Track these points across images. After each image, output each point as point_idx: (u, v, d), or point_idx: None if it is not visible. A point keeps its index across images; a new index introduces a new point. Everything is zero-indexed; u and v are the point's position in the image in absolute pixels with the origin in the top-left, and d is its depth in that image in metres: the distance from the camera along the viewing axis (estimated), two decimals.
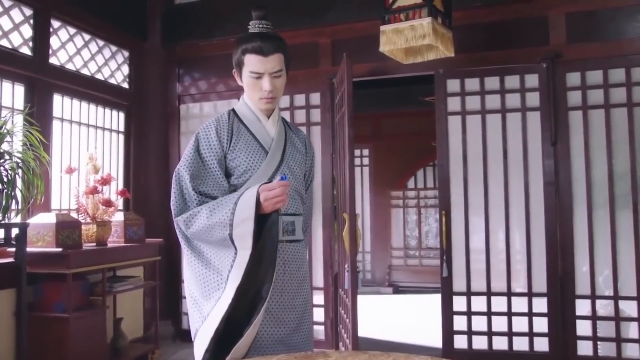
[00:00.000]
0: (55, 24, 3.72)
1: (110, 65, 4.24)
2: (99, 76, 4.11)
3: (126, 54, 4.42)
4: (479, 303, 3.71)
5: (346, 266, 3.43)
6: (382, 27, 3.07)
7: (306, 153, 1.82)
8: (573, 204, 3.57)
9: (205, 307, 1.49)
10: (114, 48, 4.28)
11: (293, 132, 1.81)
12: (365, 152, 7.82)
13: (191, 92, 4.56)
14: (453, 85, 3.86)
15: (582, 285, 3.52)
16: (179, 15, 4.54)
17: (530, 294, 3.62)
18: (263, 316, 1.48)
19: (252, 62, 1.62)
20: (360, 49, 3.92)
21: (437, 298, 4.05)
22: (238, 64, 1.67)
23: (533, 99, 3.68)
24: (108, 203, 3.41)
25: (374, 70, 4.08)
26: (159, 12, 4.53)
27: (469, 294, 3.74)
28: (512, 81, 3.74)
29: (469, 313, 3.72)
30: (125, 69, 4.42)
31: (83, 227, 3.29)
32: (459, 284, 3.76)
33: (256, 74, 1.63)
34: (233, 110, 1.74)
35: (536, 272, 3.61)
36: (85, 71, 3.97)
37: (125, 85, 4.41)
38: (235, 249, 1.48)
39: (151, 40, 4.51)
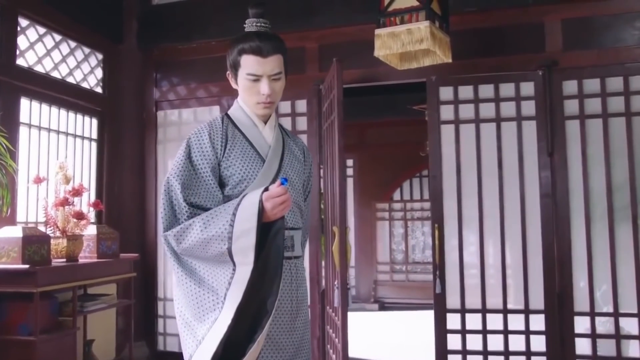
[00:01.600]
0: (23, 22, 3.60)
1: (82, 68, 4.14)
2: (70, 80, 4.01)
3: (100, 56, 4.33)
4: (473, 321, 3.68)
5: (336, 283, 3.36)
6: (377, 31, 3.05)
7: (305, 161, 1.76)
8: (570, 217, 3.57)
9: (199, 330, 1.42)
10: (87, 50, 4.19)
11: (291, 139, 1.76)
12: (350, 162, 7.80)
13: (169, 97, 4.48)
14: (446, 93, 3.85)
15: (580, 301, 3.51)
16: (157, 17, 4.46)
17: (527, 311, 3.60)
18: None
19: (249, 64, 1.57)
20: (349, 55, 3.89)
21: (425, 315, 4.01)
22: (233, 65, 1.61)
23: (529, 107, 3.69)
24: (80, 215, 3.32)
25: (364, 77, 4.06)
26: (136, 13, 4.45)
27: (463, 311, 3.71)
28: (507, 89, 3.75)
29: (463, 331, 3.69)
30: (99, 73, 4.33)
31: (52, 241, 3.18)
32: (452, 300, 3.73)
33: (254, 77, 1.58)
34: (227, 114, 1.67)
35: (533, 287, 3.60)
36: (55, 74, 3.87)
37: (99, 89, 4.32)
38: (234, 264, 1.41)
39: (127, 43, 4.43)
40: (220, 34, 4.20)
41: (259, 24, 1.63)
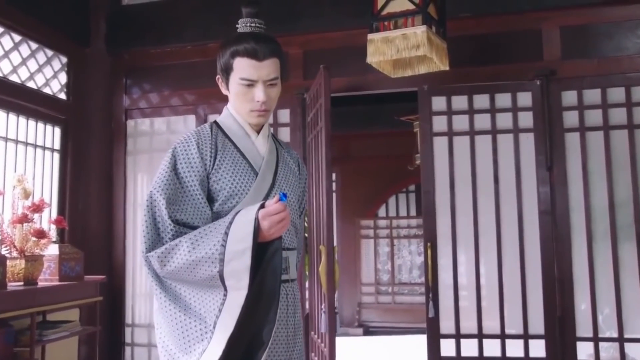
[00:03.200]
0: None
1: (45, 72, 4.04)
2: (30, 84, 3.90)
3: (64, 59, 4.23)
4: (469, 347, 3.65)
5: (323, 307, 3.32)
6: (370, 36, 3.03)
7: (299, 174, 1.72)
8: (571, 235, 3.58)
9: None
10: (49, 52, 4.09)
11: (285, 150, 1.71)
12: (332, 176, 7.78)
13: (140, 105, 4.41)
14: (438, 103, 3.86)
15: (583, 325, 3.51)
16: (127, 18, 4.40)
17: (526, 336, 3.59)
18: None
19: (243, 67, 1.53)
20: (335, 62, 3.87)
21: (413, 340, 3.98)
22: (225, 69, 1.56)
23: (526, 119, 3.71)
24: (40, 234, 3.22)
25: (351, 86, 4.04)
26: (104, 14, 4.37)
27: (458, 336, 3.68)
28: (503, 99, 3.76)
29: (458, 358, 3.66)
30: (63, 77, 4.23)
31: (8, 262, 3.07)
32: (446, 325, 3.69)
33: (248, 82, 1.53)
34: (216, 122, 1.62)
35: (532, 310, 3.59)
36: (14, 78, 3.76)
37: (63, 95, 4.22)
38: (225, 289, 1.36)
39: (94, 45, 4.34)
40: (197, 37, 4.17)
41: (253, 25, 1.59)
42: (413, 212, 7.81)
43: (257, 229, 1.35)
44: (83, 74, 4.31)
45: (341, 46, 3.97)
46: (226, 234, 1.36)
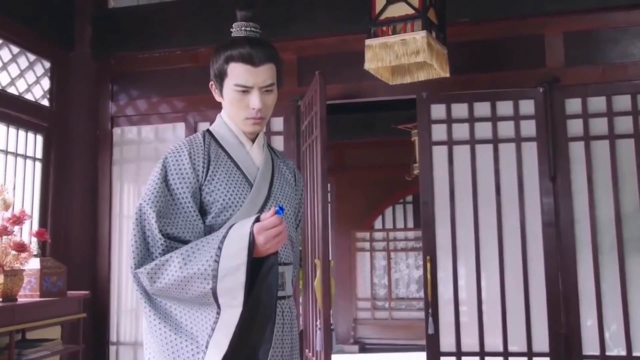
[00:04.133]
0: None
1: (27, 77, 4.02)
2: (11, 90, 3.88)
3: (47, 64, 4.21)
4: None
5: (317, 323, 3.30)
6: (368, 41, 3.03)
7: (296, 185, 1.71)
8: (576, 248, 3.58)
9: None
10: (32, 57, 4.07)
11: (280, 159, 1.70)
12: (328, 187, 7.77)
13: (127, 113, 4.39)
14: (438, 111, 3.86)
15: (589, 342, 3.50)
16: (114, 22, 4.39)
17: (530, 354, 3.57)
18: None
19: (238, 73, 1.51)
20: (331, 68, 3.87)
21: (410, 357, 3.95)
22: (219, 75, 1.54)
23: (529, 127, 3.72)
24: (20, 247, 3.19)
25: (347, 93, 4.05)
26: (89, 17, 4.37)
27: (459, 354, 3.67)
28: (505, 107, 3.77)
29: None
30: (46, 83, 4.21)
31: None
32: (447, 342, 3.68)
33: (243, 88, 1.51)
34: (208, 131, 1.60)
35: (536, 327, 3.58)
36: None
37: (45, 102, 4.20)
38: (218, 307, 1.33)
39: (79, 50, 4.33)
40: (187, 42, 4.17)
41: (248, 29, 1.58)
42: (410, 224, 7.80)
43: (252, 244, 1.33)
44: (67, 79, 4.30)
45: (336, 52, 3.98)
46: (219, 248, 1.34)
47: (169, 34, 4.21)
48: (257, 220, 1.36)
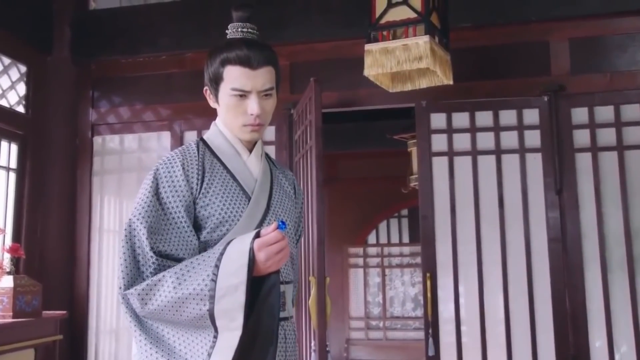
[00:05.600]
0: None
1: (1, 82, 3.99)
2: None
3: (23, 69, 4.19)
4: None
5: (312, 345, 3.27)
6: (368, 46, 3.02)
7: (296, 198, 1.68)
8: (584, 265, 3.58)
9: None
10: (6, 60, 4.05)
11: (279, 170, 1.68)
12: (323, 200, 7.77)
13: (109, 120, 4.38)
14: (438, 120, 3.86)
15: None
16: (95, 24, 4.38)
17: None
18: None
19: (235, 77, 1.49)
20: (325, 75, 3.85)
21: None
22: (214, 79, 1.52)
23: (533, 138, 3.72)
24: None
25: (342, 101, 4.05)
26: (69, 18, 4.36)
27: None
28: (508, 117, 3.77)
29: None
30: (22, 89, 4.18)
31: None
32: None
33: (240, 92, 1.49)
34: (202, 140, 1.57)
35: (542, 348, 3.56)
36: None
37: (21, 109, 4.17)
38: (216, 330, 1.30)
39: (57, 54, 4.32)
40: (173, 46, 4.16)
41: (245, 30, 1.55)
42: (406, 239, 7.79)
43: (252, 261, 1.30)
44: (44, 84, 4.28)
45: (331, 58, 4.00)
46: (217, 267, 1.31)
47: (154, 38, 4.20)
48: (257, 235, 1.33)
